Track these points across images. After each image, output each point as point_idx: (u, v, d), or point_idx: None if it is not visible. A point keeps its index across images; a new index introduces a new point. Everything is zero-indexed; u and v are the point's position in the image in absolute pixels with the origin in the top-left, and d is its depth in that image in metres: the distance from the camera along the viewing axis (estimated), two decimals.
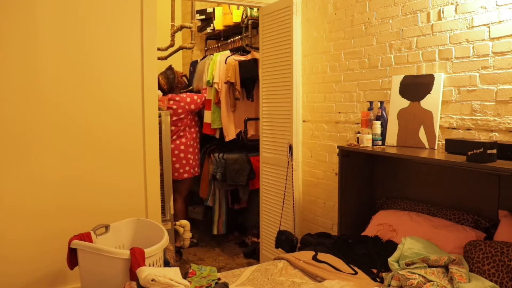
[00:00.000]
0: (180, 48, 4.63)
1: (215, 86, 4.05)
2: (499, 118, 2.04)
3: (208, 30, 4.64)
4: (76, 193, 2.86)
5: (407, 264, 1.89)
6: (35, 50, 2.70)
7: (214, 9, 4.47)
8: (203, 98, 4.17)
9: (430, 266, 1.86)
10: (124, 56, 2.94)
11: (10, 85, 2.65)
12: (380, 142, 2.47)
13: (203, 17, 4.62)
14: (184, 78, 4.35)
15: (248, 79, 3.95)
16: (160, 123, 3.30)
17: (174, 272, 1.82)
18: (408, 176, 2.55)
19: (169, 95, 3.95)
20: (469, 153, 1.86)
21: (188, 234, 3.99)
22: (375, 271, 2.02)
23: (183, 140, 4.04)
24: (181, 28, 4.43)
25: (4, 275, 2.67)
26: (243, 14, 4.08)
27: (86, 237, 2.37)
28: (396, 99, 2.50)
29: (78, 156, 2.86)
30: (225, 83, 4.00)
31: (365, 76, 2.80)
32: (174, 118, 3.92)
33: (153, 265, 2.31)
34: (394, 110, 2.50)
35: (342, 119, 3.00)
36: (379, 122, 2.48)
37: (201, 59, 4.64)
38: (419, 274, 1.77)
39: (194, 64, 4.76)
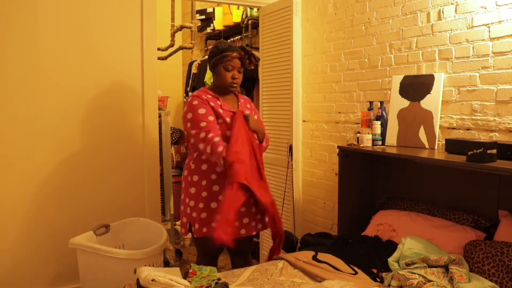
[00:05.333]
0: (180, 48, 4.63)
1: None
2: (499, 118, 2.04)
3: (208, 30, 4.64)
4: (76, 193, 2.86)
5: (407, 264, 1.89)
6: (37, 52, 2.69)
7: (214, 9, 4.47)
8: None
9: (430, 266, 1.86)
10: (124, 56, 2.94)
11: (9, 85, 2.65)
12: (380, 142, 2.47)
13: (203, 17, 4.62)
14: None
15: (248, 79, 3.95)
16: (160, 123, 3.29)
17: (174, 272, 1.82)
18: (408, 176, 2.55)
19: None
20: (469, 153, 1.86)
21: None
22: (375, 271, 2.02)
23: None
24: (181, 28, 4.43)
25: (4, 275, 2.67)
26: (243, 14, 4.08)
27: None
28: (396, 99, 2.50)
29: (78, 157, 2.86)
30: None
31: (365, 76, 2.80)
32: None
33: (153, 265, 2.31)
34: (394, 110, 2.50)
35: (342, 119, 3.00)
36: (379, 122, 2.48)
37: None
38: (419, 274, 1.77)
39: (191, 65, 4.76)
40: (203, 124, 2.19)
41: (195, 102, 2.24)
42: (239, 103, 2.41)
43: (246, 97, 2.54)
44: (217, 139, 2.17)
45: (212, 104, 2.26)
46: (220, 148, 2.15)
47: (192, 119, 2.22)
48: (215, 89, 2.36)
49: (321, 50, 3.15)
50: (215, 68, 2.31)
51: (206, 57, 4.59)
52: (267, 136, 2.51)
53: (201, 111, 2.21)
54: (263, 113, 3.59)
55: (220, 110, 2.26)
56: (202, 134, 2.18)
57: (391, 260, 1.98)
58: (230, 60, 2.26)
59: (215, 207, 2.24)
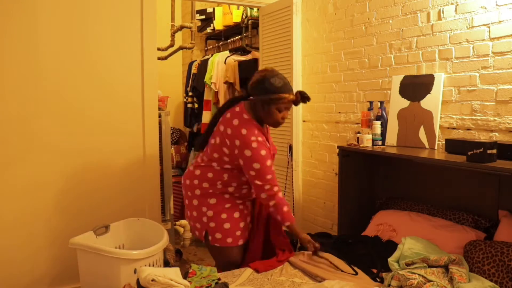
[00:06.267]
0: (180, 48, 4.63)
1: (213, 86, 4.07)
2: (499, 118, 2.04)
3: (208, 30, 4.65)
4: (76, 193, 2.86)
5: (407, 264, 1.89)
6: (35, 52, 2.69)
7: (214, 9, 4.47)
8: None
9: (430, 266, 1.86)
10: (124, 56, 2.94)
11: (8, 87, 2.65)
12: (380, 142, 2.47)
13: (203, 17, 4.62)
14: None
15: (248, 79, 3.94)
16: (160, 123, 3.29)
17: (174, 272, 1.82)
18: (408, 176, 2.55)
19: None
20: (469, 153, 1.86)
21: (188, 234, 3.99)
22: (375, 271, 2.02)
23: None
24: (181, 28, 4.43)
25: (4, 275, 2.66)
26: (243, 14, 4.08)
27: None
28: (396, 99, 2.50)
29: (78, 156, 2.86)
30: (224, 83, 4.00)
31: (365, 76, 2.80)
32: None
33: (153, 265, 2.31)
34: (394, 110, 2.50)
35: (342, 119, 3.00)
36: (379, 122, 2.48)
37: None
38: (419, 274, 1.77)
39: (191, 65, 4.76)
40: (269, 177, 2.14)
41: (258, 145, 2.13)
42: (268, 134, 2.34)
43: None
44: (280, 194, 2.19)
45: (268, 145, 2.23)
46: (285, 208, 2.18)
47: (259, 170, 2.13)
48: (259, 121, 2.24)
49: (321, 50, 3.15)
50: (267, 107, 2.18)
51: (207, 57, 4.59)
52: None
53: (263, 153, 2.13)
54: None
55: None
56: (267, 187, 2.15)
57: (391, 260, 1.98)
58: (286, 104, 2.19)
59: (238, 216, 2.25)
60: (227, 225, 2.23)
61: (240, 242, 2.27)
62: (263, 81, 2.20)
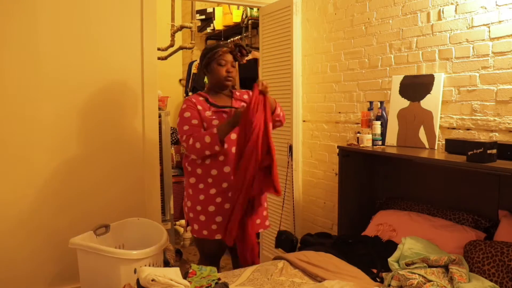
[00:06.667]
0: (180, 48, 4.63)
1: None
2: (499, 118, 2.04)
3: (208, 30, 4.65)
4: (76, 192, 2.86)
5: (407, 264, 1.89)
6: (36, 52, 2.69)
7: (214, 9, 4.48)
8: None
9: (430, 266, 1.86)
10: (124, 56, 2.94)
11: (8, 86, 2.66)
12: (380, 142, 2.47)
13: (203, 17, 4.63)
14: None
15: (248, 79, 3.95)
16: (160, 123, 3.30)
17: (174, 272, 1.82)
18: (408, 176, 2.55)
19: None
20: (469, 153, 1.86)
21: (188, 234, 3.99)
22: (375, 271, 2.02)
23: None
24: (181, 28, 4.43)
25: (4, 275, 2.66)
26: (243, 14, 4.08)
27: None
28: (396, 99, 2.50)
29: (78, 156, 2.86)
30: None
31: (365, 76, 2.80)
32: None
33: (153, 265, 2.31)
34: (394, 110, 2.50)
35: (342, 119, 3.00)
36: (379, 122, 2.48)
37: None
38: (419, 274, 1.77)
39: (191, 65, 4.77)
40: (185, 127, 2.23)
41: (183, 106, 2.29)
42: (233, 96, 2.41)
43: (242, 90, 2.52)
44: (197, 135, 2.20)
45: (199, 107, 2.27)
46: (207, 138, 2.16)
47: (178, 123, 2.28)
48: (209, 90, 2.38)
49: (321, 50, 3.15)
50: (209, 67, 2.32)
51: None
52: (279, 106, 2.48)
53: (186, 114, 2.25)
54: None
55: (208, 113, 2.27)
56: (183, 137, 2.23)
57: (391, 260, 1.98)
58: (222, 55, 2.28)
59: (213, 210, 2.28)
60: (202, 217, 2.29)
61: (217, 236, 2.29)
62: (202, 52, 2.38)
